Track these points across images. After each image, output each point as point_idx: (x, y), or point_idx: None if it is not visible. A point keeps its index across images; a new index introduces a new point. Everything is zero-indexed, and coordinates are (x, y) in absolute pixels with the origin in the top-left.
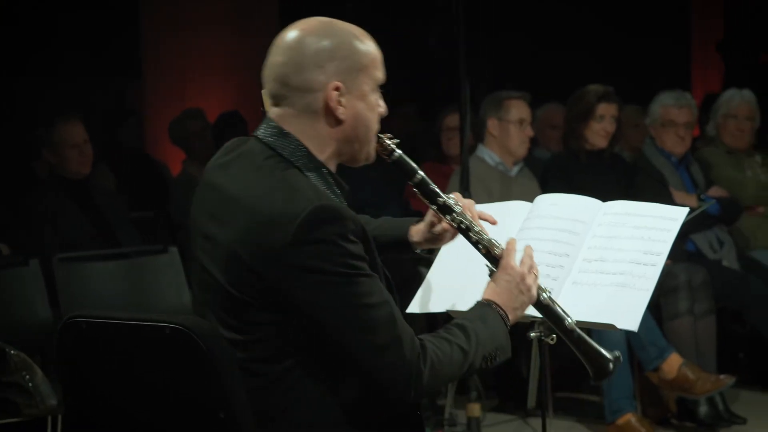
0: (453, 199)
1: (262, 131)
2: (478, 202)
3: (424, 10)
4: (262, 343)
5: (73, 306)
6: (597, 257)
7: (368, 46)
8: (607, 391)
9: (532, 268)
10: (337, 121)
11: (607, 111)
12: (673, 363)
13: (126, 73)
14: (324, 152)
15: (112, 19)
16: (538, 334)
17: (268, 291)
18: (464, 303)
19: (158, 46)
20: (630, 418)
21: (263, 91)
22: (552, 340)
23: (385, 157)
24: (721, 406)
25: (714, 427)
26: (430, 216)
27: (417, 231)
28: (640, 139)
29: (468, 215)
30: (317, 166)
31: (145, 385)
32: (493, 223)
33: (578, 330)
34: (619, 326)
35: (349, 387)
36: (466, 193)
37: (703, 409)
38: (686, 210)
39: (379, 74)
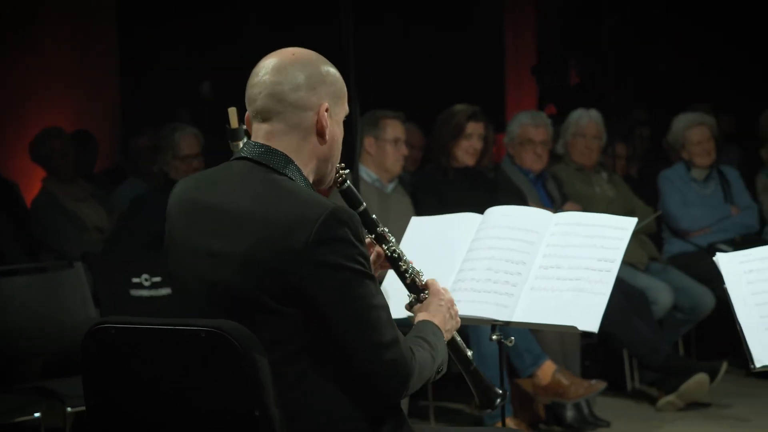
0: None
1: (247, 151)
2: None
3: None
4: (279, 345)
5: None
6: (553, 264)
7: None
8: None
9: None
10: (323, 141)
11: (475, 130)
12: (547, 369)
13: None
14: (306, 167)
15: None
16: (499, 336)
17: (286, 290)
18: None
19: None
20: (508, 422)
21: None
22: (510, 342)
23: (336, 186)
24: (586, 411)
25: (581, 430)
26: None
27: None
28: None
29: (399, 247)
30: (304, 178)
31: (177, 387)
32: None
33: (474, 364)
34: (580, 328)
35: (355, 384)
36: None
37: (570, 413)
38: (635, 220)
39: (347, 107)
